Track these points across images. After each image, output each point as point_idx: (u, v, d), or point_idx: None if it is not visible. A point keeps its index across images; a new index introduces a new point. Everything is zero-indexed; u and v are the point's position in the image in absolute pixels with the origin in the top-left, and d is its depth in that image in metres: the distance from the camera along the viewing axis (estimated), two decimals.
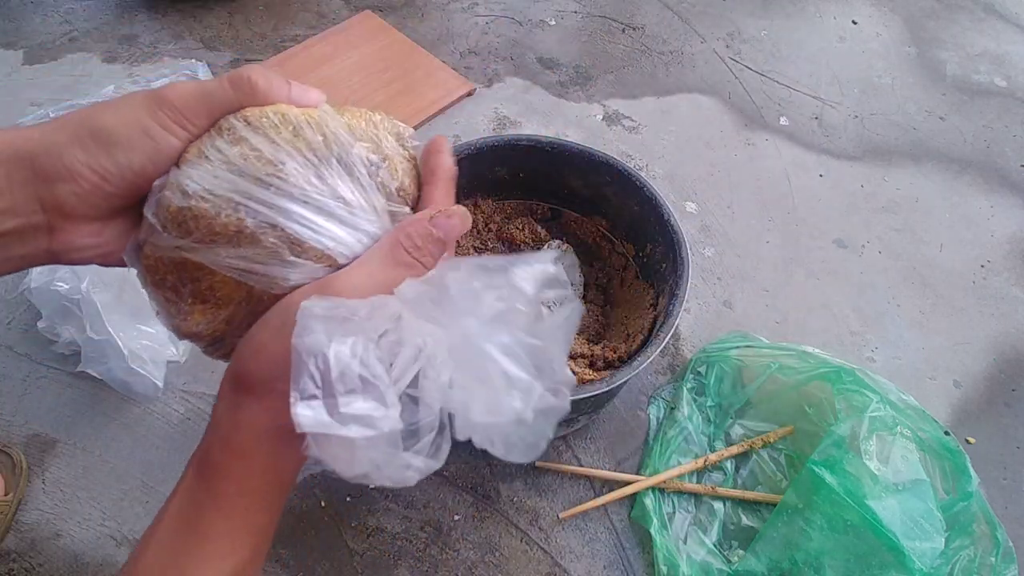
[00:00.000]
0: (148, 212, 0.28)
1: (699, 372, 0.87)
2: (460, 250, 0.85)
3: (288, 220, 0.27)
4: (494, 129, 1.16)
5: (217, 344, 0.30)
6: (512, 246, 0.87)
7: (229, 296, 0.28)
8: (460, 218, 0.29)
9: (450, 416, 0.26)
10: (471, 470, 0.80)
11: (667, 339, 0.66)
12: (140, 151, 0.27)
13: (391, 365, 0.25)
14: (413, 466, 0.25)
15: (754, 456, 0.81)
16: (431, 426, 0.25)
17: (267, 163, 0.27)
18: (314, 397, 0.24)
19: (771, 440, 0.80)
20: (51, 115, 1.04)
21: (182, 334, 0.30)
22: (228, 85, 0.28)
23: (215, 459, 0.27)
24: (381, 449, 0.24)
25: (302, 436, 0.26)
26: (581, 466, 0.81)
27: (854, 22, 1.45)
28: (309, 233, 0.27)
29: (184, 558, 0.26)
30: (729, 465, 0.81)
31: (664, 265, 0.76)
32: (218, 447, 0.27)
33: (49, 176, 0.26)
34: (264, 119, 0.27)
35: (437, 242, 0.28)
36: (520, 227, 0.87)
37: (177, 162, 0.28)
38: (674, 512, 0.77)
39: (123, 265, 0.30)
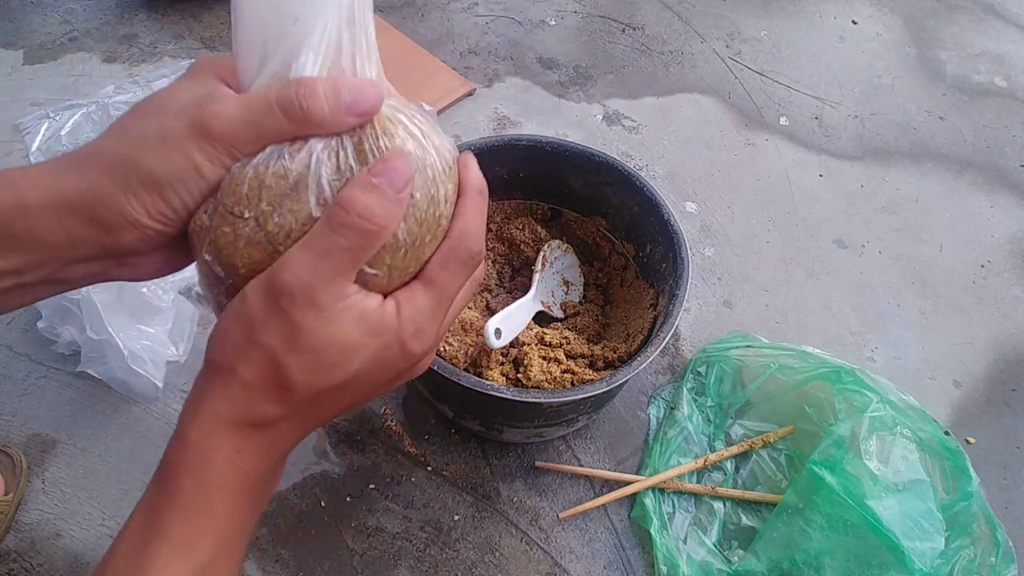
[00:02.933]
0: (205, 256, 0.28)
1: (699, 372, 0.87)
2: None
3: None
4: (494, 129, 1.16)
5: None
6: (512, 246, 0.87)
7: None
8: (397, 158, 0.26)
9: None
10: (471, 470, 0.80)
11: (667, 339, 0.66)
12: (195, 190, 0.26)
13: None
14: None
15: (754, 456, 0.81)
16: None
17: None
18: None
19: (771, 440, 0.80)
20: (51, 115, 1.04)
21: None
22: (280, 113, 0.25)
23: (170, 456, 0.27)
24: None
25: (267, 430, 0.27)
26: (581, 466, 0.81)
27: (854, 22, 1.45)
28: None
29: (145, 559, 0.25)
30: (729, 465, 0.81)
31: (664, 265, 0.76)
32: (175, 443, 0.27)
33: (112, 227, 0.25)
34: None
35: (377, 191, 0.26)
36: (520, 227, 0.87)
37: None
38: (674, 512, 0.77)
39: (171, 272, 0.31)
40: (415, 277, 0.29)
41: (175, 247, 0.29)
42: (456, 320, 0.73)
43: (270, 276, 0.25)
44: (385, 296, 0.28)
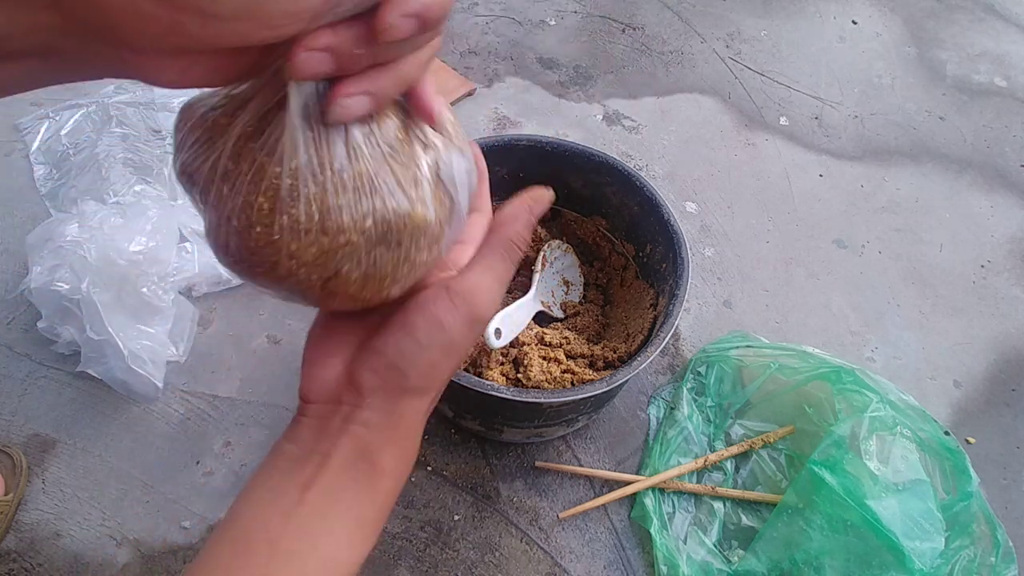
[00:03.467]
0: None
1: (699, 372, 0.87)
2: None
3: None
4: (494, 129, 1.16)
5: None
6: None
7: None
8: (547, 197, 0.31)
9: None
10: (471, 470, 0.80)
11: (667, 339, 0.66)
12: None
13: None
14: None
15: (754, 456, 0.81)
16: None
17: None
18: None
19: (771, 440, 0.80)
20: (51, 115, 1.04)
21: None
22: None
23: (374, 451, 0.28)
24: None
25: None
26: (581, 466, 0.81)
27: (854, 22, 1.45)
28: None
29: (332, 549, 0.27)
30: (729, 465, 0.81)
31: (664, 265, 0.76)
32: (378, 444, 0.28)
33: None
34: None
35: (530, 228, 0.30)
36: None
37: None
38: (674, 512, 0.77)
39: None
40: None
41: (202, 63, 0.21)
42: None
43: (475, 310, 0.27)
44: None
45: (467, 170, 0.26)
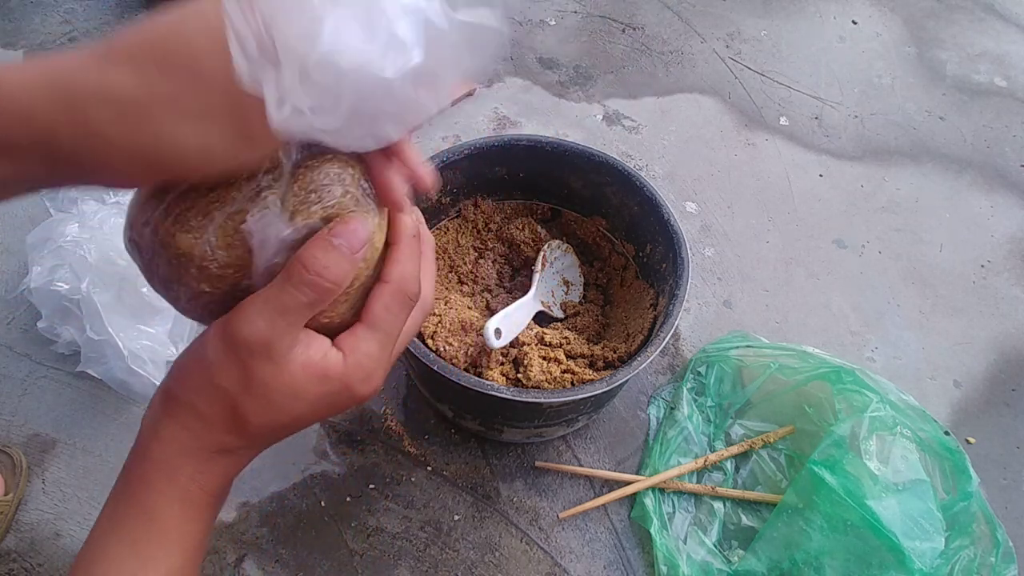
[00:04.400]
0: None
1: (699, 372, 0.87)
2: (460, 250, 0.85)
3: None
4: (494, 129, 1.16)
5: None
6: (512, 246, 0.87)
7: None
8: (357, 223, 0.28)
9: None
10: (471, 470, 0.80)
11: (667, 339, 0.66)
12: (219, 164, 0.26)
13: None
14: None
15: (754, 456, 0.81)
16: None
17: None
18: None
19: (771, 440, 0.80)
20: None
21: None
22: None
23: (133, 471, 0.29)
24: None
25: (226, 455, 0.29)
26: (581, 466, 0.81)
27: (854, 22, 1.45)
28: None
29: (115, 571, 0.28)
30: (729, 465, 0.81)
31: (664, 265, 0.76)
32: (137, 460, 0.29)
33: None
34: None
35: (337, 251, 0.27)
36: (520, 227, 0.87)
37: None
38: (674, 512, 0.77)
39: None
40: (356, 314, 0.30)
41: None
42: (456, 320, 0.73)
43: (230, 328, 0.27)
44: (329, 331, 0.30)
45: (282, 238, 0.27)
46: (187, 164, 0.23)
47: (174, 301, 0.29)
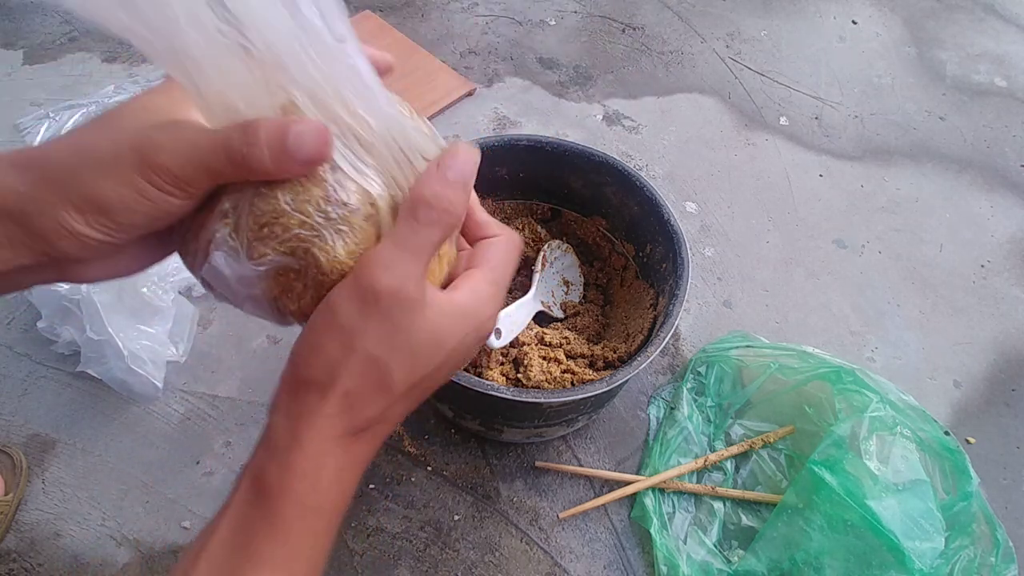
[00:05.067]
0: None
1: (699, 372, 0.87)
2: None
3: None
4: (494, 129, 1.16)
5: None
6: None
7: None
8: (465, 152, 0.27)
9: None
10: (471, 470, 0.80)
11: (667, 339, 0.66)
12: (141, 213, 0.25)
13: None
14: None
15: (754, 456, 0.81)
16: None
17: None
18: None
19: (771, 440, 0.80)
20: (51, 115, 1.04)
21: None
22: (224, 157, 0.24)
23: (272, 481, 0.25)
24: None
25: (365, 435, 0.27)
26: (581, 466, 0.81)
27: (854, 22, 1.45)
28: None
29: None
30: (729, 465, 0.81)
31: (664, 265, 0.76)
32: (276, 469, 0.25)
33: (50, 236, 0.24)
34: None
35: (454, 185, 0.26)
36: (520, 227, 0.87)
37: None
38: (674, 512, 0.77)
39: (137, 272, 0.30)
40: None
41: (127, 253, 0.28)
42: None
43: (365, 282, 0.25)
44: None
45: (244, 277, 0.27)
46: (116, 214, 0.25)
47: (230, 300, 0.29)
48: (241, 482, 0.26)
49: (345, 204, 0.26)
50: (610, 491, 0.78)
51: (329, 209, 0.26)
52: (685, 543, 0.75)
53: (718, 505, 0.78)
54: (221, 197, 0.26)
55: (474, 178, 0.27)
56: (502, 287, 0.30)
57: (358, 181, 0.26)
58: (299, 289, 0.26)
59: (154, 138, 0.24)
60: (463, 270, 0.30)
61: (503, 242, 0.30)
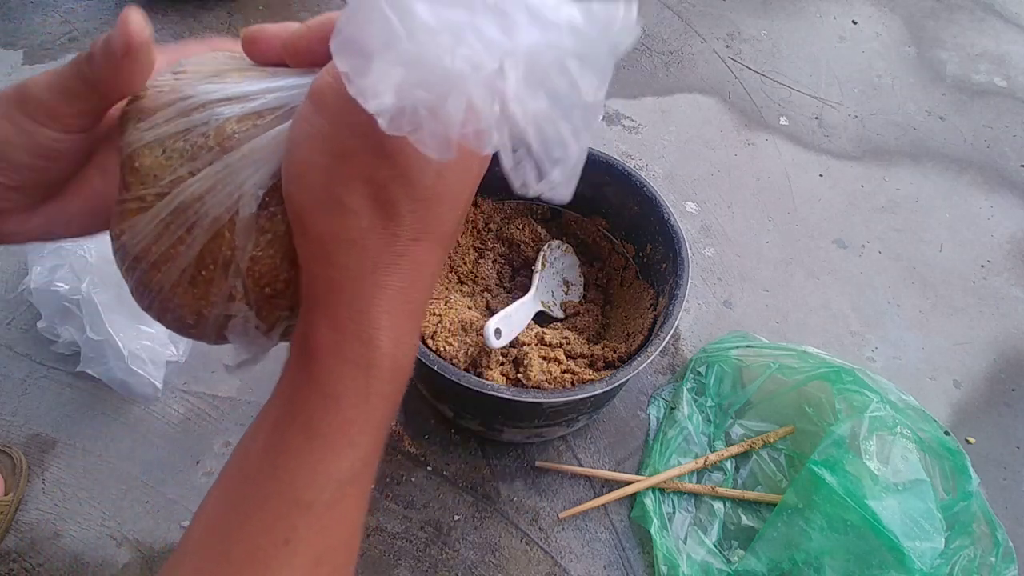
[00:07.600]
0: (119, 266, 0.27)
1: (699, 372, 0.87)
2: (460, 250, 0.85)
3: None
4: None
5: None
6: (512, 246, 0.87)
7: None
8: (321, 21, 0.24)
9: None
10: (471, 470, 0.80)
11: (667, 339, 0.66)
12: (21, 148, 0.25)
13: None
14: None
15: (754, 456, 0.81)
16: None
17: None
18: None
19: (771, 440, 0.80)
20: None
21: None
22: (76, 75, 0.24)
23: (318, 342, 0.24)
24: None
25: (404, 261, 0.24)
26: (581, 466, 0.81)
27: (854, 22, 1.45)
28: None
29: (298, 457, 0.24)
30: (729, 465, 0.81)
31: (664, 265, 0.76)
32: (319, 327, 0.24)
33: None
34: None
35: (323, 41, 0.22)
36: (520, 227, 0.87)
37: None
38: (674, 512, 0.77)
39: (66, 237, 0.29)
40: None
41: (43, 213, 0.28)
42: (456, 320, 0.73)
43: (315, 86, 0.22)
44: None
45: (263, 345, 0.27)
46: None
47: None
48: (291, 356, 0.26)
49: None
50: (610, 491, 0.78)
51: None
52: (685, 543, 0.75)
53: (718, 505, 0.78)
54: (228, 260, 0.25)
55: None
56: None
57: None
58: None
59: (25, 82, 0.25)
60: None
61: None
